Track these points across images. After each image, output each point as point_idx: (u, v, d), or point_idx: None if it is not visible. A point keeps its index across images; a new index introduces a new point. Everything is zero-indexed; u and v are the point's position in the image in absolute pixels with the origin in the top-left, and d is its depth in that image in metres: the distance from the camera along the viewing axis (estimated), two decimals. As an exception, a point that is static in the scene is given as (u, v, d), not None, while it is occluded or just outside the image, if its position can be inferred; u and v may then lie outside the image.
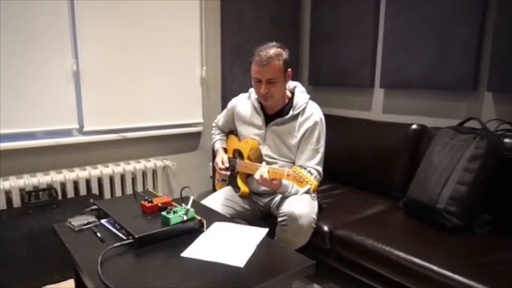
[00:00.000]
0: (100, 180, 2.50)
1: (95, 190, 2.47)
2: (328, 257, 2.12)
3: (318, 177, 2.12)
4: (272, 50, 2.00)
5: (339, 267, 2.09)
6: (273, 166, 1.97)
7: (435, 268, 1.60)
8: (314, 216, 1.99)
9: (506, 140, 1.99)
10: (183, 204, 1.65)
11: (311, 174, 1.76)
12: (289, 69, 2.08)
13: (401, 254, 1.73)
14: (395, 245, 1.80)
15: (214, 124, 2.53)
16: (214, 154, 2.46)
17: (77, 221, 1.68)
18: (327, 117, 2.22)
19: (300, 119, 2.11)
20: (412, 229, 2.00)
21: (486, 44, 2.28)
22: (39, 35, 2.27)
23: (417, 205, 2.09)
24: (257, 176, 1.93)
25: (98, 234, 1.57)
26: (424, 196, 2.03)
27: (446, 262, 1.62)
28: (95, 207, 1.82)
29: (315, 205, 2.09)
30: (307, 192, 2.05)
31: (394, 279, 1.77)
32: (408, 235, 1.93)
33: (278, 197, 2.16)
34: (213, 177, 3.08)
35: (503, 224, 1.94)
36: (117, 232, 1.59)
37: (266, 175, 1.89)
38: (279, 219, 1.97)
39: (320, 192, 2.55)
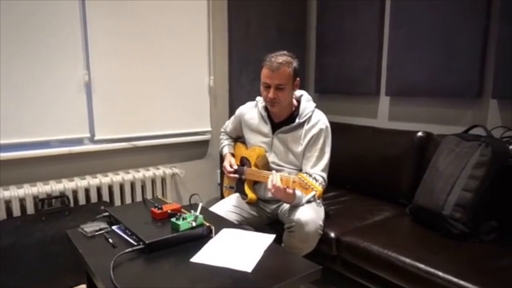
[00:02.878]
0: (110, 188, 2.55)
1: (105, 197, 2.51)
2: (335, 263, 2.13)
3: (323, 183, 2.15)
4: (283, 57, 2.06)
5: (346, 273, 2.11)
6: (280, 173, 2.01)
7: (441, 274, 1.61)
8: (321, 223, 2.02)
9: (511, 147, 2.01)
10: (192, 211, 1.68)
11: (317, 180, 1.78)
12: (298, 78, 2.12)
13: (407, 260, 1.74)
14: (401, 251, 1.81)
15: (222, 130, 2.58)
16: (222, 160, 2.49)
17: (89, 227, 1.73)
18: (334, 124, 2.25)
19: (306, 126, 2.14)
20: (418, 235, 2.02)
21: (490, 52, 2.29)
22: (52, 48, 2.33)
23: (423, 212, 2.11)
24: (269, 184, 1.91)
25: (110, 240, 1.60)
26: (430, 203, 2.04)
27: (452, 268, 1.63)
28: (106, 214, 1.86)
29: (321, 211, 2.11)
30: (312, 199, 2.07)
31: (400, 285, 1.78)
32: (414, 242, 1.95)
33: (285, 204, 2.19)
34: (221, 184, 3.11)
35: (509, 230, 1.95)
36: (128, 238, 1.63)
37: (279, 183, 1.88)
38: (286, 225, 2.00)
39: (327, 199, 2.57)
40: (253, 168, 2.20)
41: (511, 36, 2.15)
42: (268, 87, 2.08)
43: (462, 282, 1.54)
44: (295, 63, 2.09)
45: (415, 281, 1.70)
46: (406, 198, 2.43)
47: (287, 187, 1.88)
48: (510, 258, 1.73)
